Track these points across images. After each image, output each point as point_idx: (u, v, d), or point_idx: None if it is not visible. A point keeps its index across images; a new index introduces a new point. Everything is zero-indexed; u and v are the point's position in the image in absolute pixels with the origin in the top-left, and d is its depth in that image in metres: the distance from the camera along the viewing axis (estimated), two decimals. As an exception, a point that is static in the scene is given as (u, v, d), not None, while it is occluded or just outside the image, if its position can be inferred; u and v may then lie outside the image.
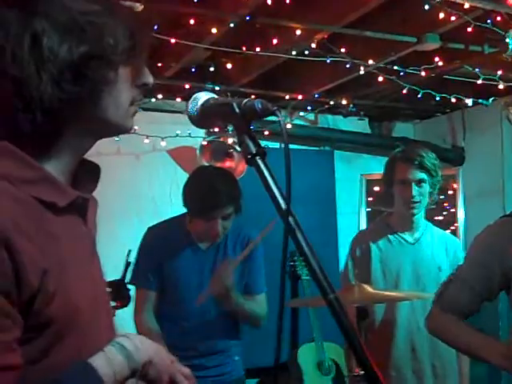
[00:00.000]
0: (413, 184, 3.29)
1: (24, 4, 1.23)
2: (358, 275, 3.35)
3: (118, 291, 3.03)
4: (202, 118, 1.31)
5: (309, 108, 5.43)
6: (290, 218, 1.18)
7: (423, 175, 3.29)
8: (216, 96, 1.32)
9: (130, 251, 3.26)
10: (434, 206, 3.51)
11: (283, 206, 1.18)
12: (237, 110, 1.22)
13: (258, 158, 1.21)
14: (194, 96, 1.31)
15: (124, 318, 2.88)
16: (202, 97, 1.30)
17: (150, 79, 1.34)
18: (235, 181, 3.20)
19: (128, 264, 3.22)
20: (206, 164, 4.83)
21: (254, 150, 1.21)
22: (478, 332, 2.22)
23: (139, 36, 1.28)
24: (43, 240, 1.19)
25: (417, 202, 3.31)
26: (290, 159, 1.15)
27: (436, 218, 5.72)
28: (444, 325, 2.33)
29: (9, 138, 1.24)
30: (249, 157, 1.21)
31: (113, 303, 2.74)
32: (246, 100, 1.22)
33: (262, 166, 1.21)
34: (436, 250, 3.44)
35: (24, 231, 1.16)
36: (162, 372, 1.32)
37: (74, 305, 1.22)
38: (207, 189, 2.99)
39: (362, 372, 2.60)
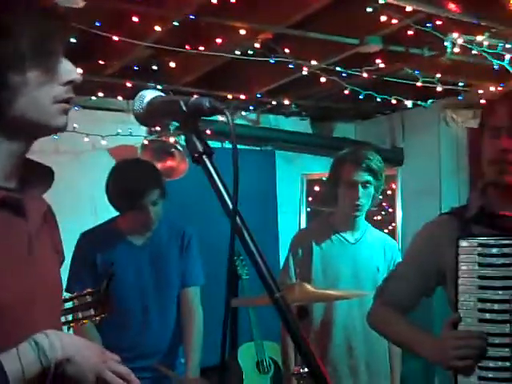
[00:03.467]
0: (359, 186, 3.33)
1: None
2: (299, 273, 3.40)
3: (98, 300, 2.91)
4: (147, 116, 1.29)
5: (251, 108, 5.44)
6: (237, 218, 1.18)
7: (369, 177, 3.32)
8: (163, 94, 1.31)
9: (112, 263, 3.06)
10: (375, 208, 3.57)
11: (230, 205, 1.19)
12: (184, 108, 1.21)
13: (205, 156, 1.21)
14: (140, 94, 1.29)
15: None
16: (149, 94, 1.29)
17: (74, 76, 1.34)
18: (154, 166, 3.29)
19: (112, 274, 2.96)
20: None
21: (201, 148, 1.21)
22: (414, 326, 2.26)
23: (53, 36, 1.29)
24: None
25: (361, 204, 3.35)
26: (238, 159, 1.15)
27: (375, 217, 5.80)
28: (382, 318, 2.37)
29: None
30: (196, 155, 1.21)
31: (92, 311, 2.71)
32: (193, 98, 1.21)
33: (209, 165, 1.21)
34: (375, 250, 3.49)
35: None
36: (86, 371, 1.31)
37: None
38: (129, 179, 3.02)
39: (304, 370, 2.66)
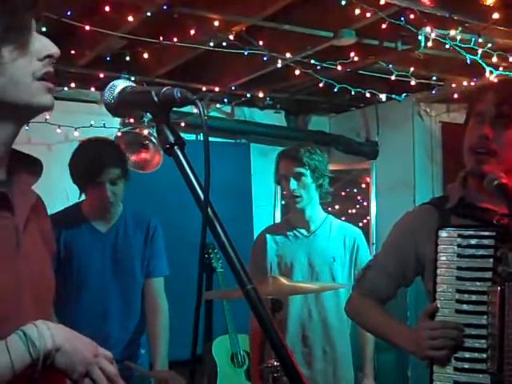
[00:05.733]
0: (290, 178, 3.43)
1: None
2: (257, 267, 3.52)
3: None
4: (118, 107, 1.27)
5: (225, 100, 5.42)
6: (209, 209, 1.16)
7: (301, 169, 3.44)
8: (134, 84, 1.29)
9: None
10: (329, 200, 3.61)
11: (201, 196, 1.17)
12: (155, 99, 1.19)
13: (176, 147, 1.19)
14: (111, 83, 1.27)
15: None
16: (120, 84, 1.27)
17: (51, 50, 1.32)
18: (118, 146, 3.28)
19: None
20: None
21: (172, 139, 1.19)
22: (390, 316, 2.27)
23: (22, 11, 1.26)
24: None
25: (298, 196, 3.42)
26: (209, 149, 1.14)
27: (349, 211, 5.83)
28: (359, 308, 2.38)
29: None
30: (167, 147, 1.19)
31: None
32: (165, 88, 1.20)
33: (181, 156, 1.19)
34: (332, 241, 3.55)
35: None
36: (76, 362, 1.28)
37: None
38: (90, 155, 3.01)
39: (276, 363, 2.66)
